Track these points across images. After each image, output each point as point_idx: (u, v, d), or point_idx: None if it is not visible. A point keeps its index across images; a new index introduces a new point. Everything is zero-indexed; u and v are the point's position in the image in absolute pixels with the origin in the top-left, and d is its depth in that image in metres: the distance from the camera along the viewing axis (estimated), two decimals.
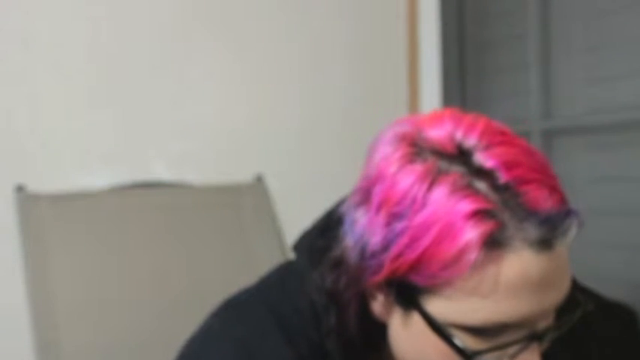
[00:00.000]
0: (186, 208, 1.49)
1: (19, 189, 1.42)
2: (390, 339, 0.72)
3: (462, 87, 1.92)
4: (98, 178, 1.53)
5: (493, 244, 0.61)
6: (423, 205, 0.63)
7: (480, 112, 0.68)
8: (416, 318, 0.67)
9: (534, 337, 0.66)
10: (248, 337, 0.75)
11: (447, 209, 0.62)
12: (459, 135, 0.65)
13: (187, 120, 1.64)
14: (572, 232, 0.63)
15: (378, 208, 0.66)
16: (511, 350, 0.66)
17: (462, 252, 0.61)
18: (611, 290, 0.89)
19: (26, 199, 1.40)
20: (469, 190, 0.62)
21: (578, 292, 0.69)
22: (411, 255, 0.63)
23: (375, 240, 0.65)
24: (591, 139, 1.57)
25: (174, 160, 1.61)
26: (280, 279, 0.80)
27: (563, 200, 0.64)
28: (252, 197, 1.54)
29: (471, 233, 0.61)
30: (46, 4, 1.51)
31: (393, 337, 0.71)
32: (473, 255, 0.61)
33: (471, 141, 0.64)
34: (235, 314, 0.78)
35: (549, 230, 0.62)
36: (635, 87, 1.46)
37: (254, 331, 0.76)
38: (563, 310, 0.68)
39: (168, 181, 1.57)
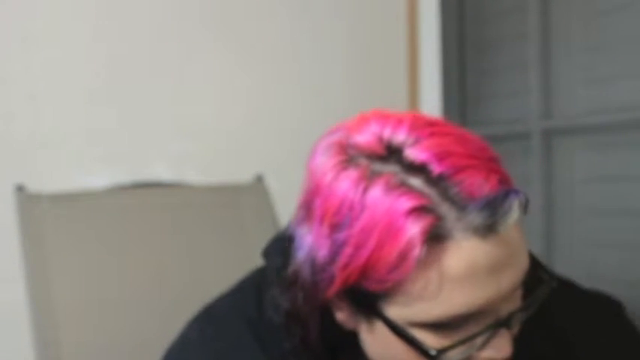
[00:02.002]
0: (186, 208, 1.49)
1: (19, 189, 1.42)
2: (362, 344, 0.71)
3: (461, 87, 1.92)
4: (98, 178, 1.53)
5: (435, 238, 0.61)
6: (361, 210, 0.62)
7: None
8: (378, 323, 0.66)
9: (500, 323, 0.65)
10: (225, 350, 0.76)
11: (384, 211, 0.61)
12: (386, 134, 0.64)
13: (187, 120, 1.64)
14: (514, 212, 0.62)
15: (321, 221, 0.65)
16: (479, 340, 0.65)
17: (404, 252, 0.61)
18: (610, 290, 0.89)
19: (26, 199, 1.40)
20: (403, 188, 0.61)
21: (541, 271, 0.69)
22: (358, 262, 0.62)
23: (323, 253, 0.65)
24: (591, 139, 1.57)
25: (174, 160, 1.61)
26: (256, 288, 0.79)
27: (502, 181, 0.63)
28: (252, 197, 1.54)
29: (411, 231, 0.60)
30: (46, 4, 1.51)
31: (364, 343, 0.71)
32: (415, 253, 0.60)
33: (399, 138, 0.64)
34: (213, 325, 0.79)
35: (490, 215, 0.61)
36: (635, 87, 1.47)
37: (231, 343, 0.76)
38: (530, 291, 0.68)
39: (168, 181, 1.57)
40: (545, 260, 1.65)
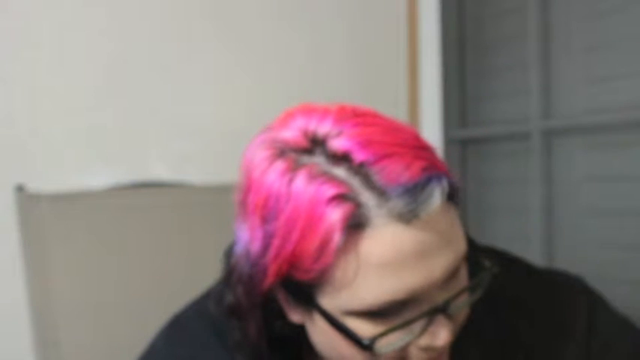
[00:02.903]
0: (186, 208, 1.49)
1: (19, 189, 1.42)
2: (310, 340, 0.72)
3: (461, 87, 1.92)
4: (98, 178, 1.53)
5: (355, 226, 0.61)
6: (287, 201, 0.63)
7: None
8: (316, 315, 0.67)
9: (436, 309, 0.64)
10: (188, 354, 0.77)
11: (307, 201, 0.62)
12: (311, 127, 0.65)
13: (187, 120, 1.64)
14: (436, 198, 0.62)
15: (253, 214, 0.67)
16: (416, 328, 0.65)
17: (325, 240, 0.61)
18: (610, 289, 0.89)
19: (26, 199, 1.40)
20: (325, 177, 0.62)
21: (482, 258, 0.69)
22: (286, 253, 0.63)
23: (256, 246, 0.66)
24: (591, 139, 1.57)
25: (174, 160, 1.61)
26: (216, 303, 0.80)
27: (427, 168, 0.63)
28: None
29: (331, 219, 0.61)
30: (47, 4, 1.51)
31: (311, 336, 0.71)
32: (335, 240, 0.61)
33: (323, 130, 0.65)
34: (178, 333, 0.81)
35: (410, 200, 0.62)
36: (635, 87, 1.47)
37: (195, 347, 0.78)
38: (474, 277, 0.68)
39: (168, 181, 1.57)
40: (546, 260, 1.65)
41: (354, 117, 0.66)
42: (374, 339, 0.64)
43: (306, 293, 0.66)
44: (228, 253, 0.77)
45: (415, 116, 1.93)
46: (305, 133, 0.65)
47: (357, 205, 0.62)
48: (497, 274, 0.68)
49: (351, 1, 1.85)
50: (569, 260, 1.61)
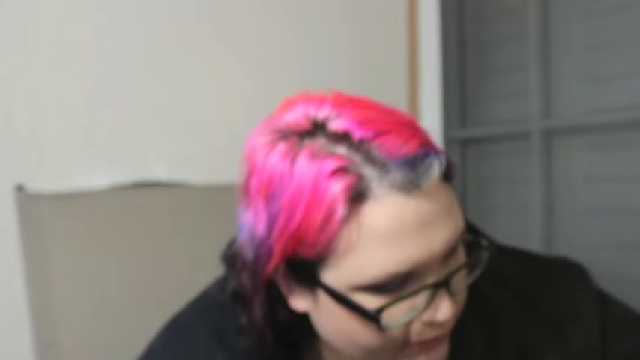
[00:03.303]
0: (186, 208, 1.49)
1: (19, 189, 1.42)
2: (315, 327, 0.73)
3: (461, 87, 1.92)
4: (98, 178, 1.53)
5: (357, 197, 0.64)
6: (290, 179, 0.65)
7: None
8: (321, 294, 0.68)
9: (439, 283, 0.66)
10: (185, 354, 0.78)
11: (310, 177, 0.64)
12: (311, 112, 0.68)
13: (187, 120, 1.64)
14: (435, 169, 0.65)
15: (257, 197, 0.69)
16: (420, 303, 0.67)
17: (329, 213, 0.64)
18: (610, 289, 0.89)
19: (26, 199, 1.40)
20: (326, 154, 0.65)
21: (481, 238, 0.71)
22: (291, 229, 0.65)
23: (260, 227, 0.68)
24: (591, 139, 1.57)
25: (174, 160, 1.61)
26: (218, 291, 0.81)
27: (422, 144, 0.66)
28: None
29: (334, 192, 0.64)
30: (46, 4, 1.51)
31: (315, 323, 0.72)
32: (340, 212, 0.63)
33: (323, 114, 0.67)
34: (176, 334, 0.82)
35: (410, 171, 0.64)
36: (635, 87, 1.47)
37: (192, 346, 0.79)
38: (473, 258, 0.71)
39: (168, 181, 1.57)
40: None
41: (351, 102, 0.69)
42: (380, 309, 0.65)
43: (310, 272, 0.67)
44: (230, 245, 0.78)
45: (415, 116, 1.93)
46: (305, 117, 0.68)
47: (359, 177, 0.64)
48: (495, 252, 0.70)
49: (351, 1, 1.85)
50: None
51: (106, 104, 1.56)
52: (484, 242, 0.70)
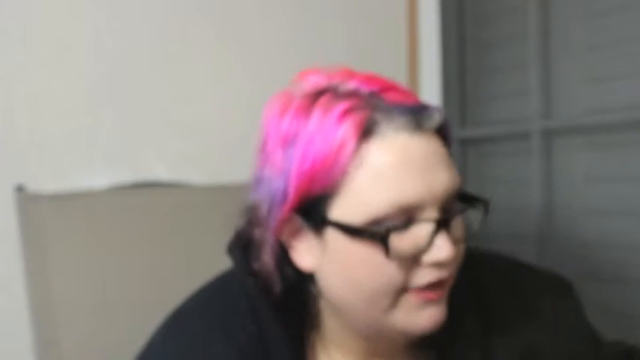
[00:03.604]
0: (186, 208, 1.49)
1: (19, 189, 1.42)
2: (322, 286, 0.78)
3: (462, 87, 1.92)
4: (98, 178, 1.53)
5: (366, 134, 0.72)
6: (305, 126, 0.73)
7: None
8: (329, 235, 0.74)
9: (440, 221, 0.72)
10: (189, 342, 0.80)
11: (323, 118, 0.73)
12: (324, 80, 0.77)
13: (187, 120, 1.64)
14: (436, 117, 0.75)
15: (275, 151, 0.76)
16: (422, 240, 0.72)
17: (340, 148, 0.71)
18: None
19: (26, 199, 1.40)
20: (339, 100, 0.74)
21: (475, 200, 0.78)
22: (306, 167, 0.72)
23: (278, 174, 0.75)
24: (591, 139, 1.57)
25: (174, 160, 1.61)
26: (222, 282, 0.86)
27: (422, 102, 0.76)
28: None
29: (344, 128, 0.71)
30: (46, 4, 1.51)
31: (320, 279, 0.77)
32: (349, 148, 0.71)
33: (334, 81, 0.77)
34: (177, 325, 0.84)
35: (414, 115, 0.73)
36: (635, 87, 1.47)
37: (194, 340, 0.81)
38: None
39: (168, 181, 1.57)
40: (545, 260, 1.66)
41: (359, 73, 0.78)
42: (388, 231, 0.71)
43: (320, 211, 0.73)
44: (237, 233, 0.84)
45: None
46: (318, 83, 0.77)
47: (368, 116, 0.72)
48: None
49: (351, 2, 1.85)
50: (568, 260, 1.61)
51: (105, 104, 1.56)
52: (479, 198, 0.77)
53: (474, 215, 0.77)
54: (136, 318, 1.33)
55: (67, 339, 1.31)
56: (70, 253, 1.35)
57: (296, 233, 0.77)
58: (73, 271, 1.35)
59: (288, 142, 0.74)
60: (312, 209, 0.74)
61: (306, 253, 0.77)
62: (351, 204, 0.72)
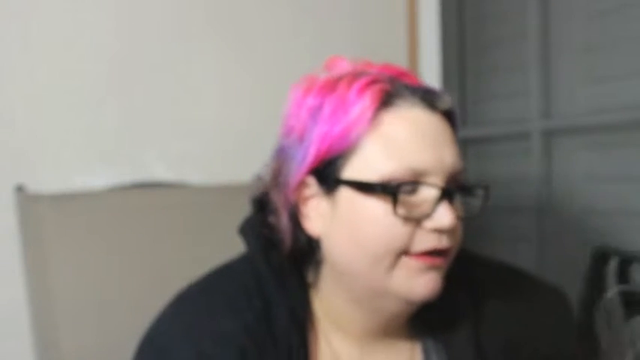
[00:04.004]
0: (186, 208, 1.49)
1: (19, 189, 1.42)
2: (327, 251, 0.83)
3: (462, 87, 1.92)
4: (98, 178, 1.53)
5: (384, 104, 0.79)
6: (330, 95, 0.81)
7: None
8: (341, 195, 0.80)
9: (444, 191, 0.79)
10: (196, 317, 0.84)
11: (348, 89, 0.80)
12: (349, 67, 0.86)
13: (187, 120, 1.64)
14: (448, 98, 0.83)
15: (298, 121, 0.83)
16: (426, 206, 0.78)
17: (361, 114, 0.78)
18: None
19: (26, 199, 1.40)
20: (362, 76, 0.81)
21: (476, 186, 0.84)
22: (327, 130, 0.79)
23: (299, 141, 0.82)
24: (591, 139, 1.57)
25: (175, 160, 1.61)
26: (228, 265, 0.92)
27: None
28: None
29: (366, 97, 0.79)
30: (47, 4, 1.51)
31: (329, 242, 0.83)
32: (369, 114, 0.78)
33: (358, 69, 0.85)
34: (185, 301, 0.88)
35: (428, 95, 0.81)
36: (635, 87, 1.46)
37: (202, 312, 0.84)
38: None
39: (168, 181, 1.57)
40: (544, 260, 1.65)
41: (378, 64, 0.87)
42: (398, 186, 0.77)
43: (334, 173, 0.80)
44: (247, 218, 0.91)
45: None
46: (344, 69, 0.85)
47: (387, 89, 0.80)
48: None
49: (351, 2, 1.85)
50: (568, 260, 1.61)
51: (106, 104, 1.56)
52: (480, 185, 0.84)
53: (474, 201, 0.84)
54: (136, 318, 1.33)
55: (66, 339, 1.31)
56: (70, 253, 1.35)
57: (309, 199, 0.83)
58: (73, 271, 1.35)
59: (312, 111, 0.81)
60: (327, 171, 0.80)
61: (315, 219, 0.83)
62: (364, 166, 0.78)
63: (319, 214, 0.83)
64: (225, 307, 0.84)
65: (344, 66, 0.86)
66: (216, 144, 1.66)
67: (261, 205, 0.88)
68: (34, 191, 1.43)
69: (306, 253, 0.86)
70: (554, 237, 1.65)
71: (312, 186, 0.82)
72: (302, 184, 0.82)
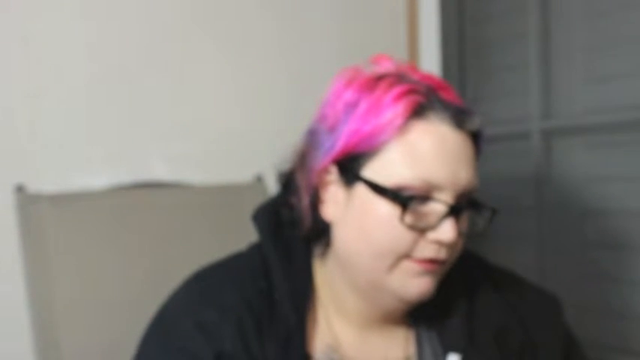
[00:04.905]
0: (186, 208, 1.49)
1: (19, 189, 1.42)
2: (336, 237, 0.87)
3: (461, 87, 1.92)
4: (98, 178, 1.53)
5: (416, 115, 0.82)
6: (368, 95, 0.84)
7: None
8: (358, 191, 0.84)
9: (452, 207, 0.82)
10: (200, 294, 0.90)
11: (385, 94, 0.83)
12: (393, 67, 0.89)
13: (187, 120, 1.64)
14: (477, 121, 0.86)
15: (333, 111, 0.87)
16: (432, 219, 0.82)
17: (392, 120, 0.82)
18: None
19: (26, 199, 1.40)
20: (401, 83, 0.84)
21: (484, 206, 0.87)
22: (357, 128, 0.83)
23: (330, 131, 0.86)
24: (591, 139, 1.57)
25: (174, 160, 1.61)
26: (237, 253, 0.97)
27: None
28: (252, 197, 1.53)
29: (400, 105, 0.82)
30: (46, 4, 1.51)
31: (339, 228, 0.87)
32: (398, 122, 0.82)
33: (401, 70, 0.88)
34: (195, 282, 0.93)
35: (458, 114, 0.85)
36: (635, 87, 1.47)
37: (208, 289, 0.90)
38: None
39: (168, 181, 1.57)
40: (544, 261, 1.65)
41: (421, 71, 0.90)
42: (410, 197, 0.81)
43: (355, 169, 0.84)
44: (262, 205, 0.96)
45: None
46: (388, 68, 0.88)
47: (421, 102, 0.83)
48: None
49: (350, 2, 1.85)
50: (568, 260, 1.61)
51: (105, 104, 1.56)
52: (487, 205, 0.87)
53: (480, 219, 0.87)
54: (136, 318, 1.33)
55: (66, 339, 1.31)
56: (70, 253, 1.35)
57: (328, 185, 0.87)
58: (73, 271, 1.35)
59: (348, 106, 0.84)
60: (349, 165, 0.84)
61: (331, 205, 0.87)
62: (382, 169, 0.82)
63: (335, 201, 0.87)
64: (230, 284, 0.89)
65: (388, 65, 0.89)
66: (216, 144, 1.66)
67: (287, 183, 0.93)
68: (34, 191, 1.43)
69: (318, 235, 0.90)
70: (554, 237, 1.65)
71: (334, 174, 0.87)
72: (325, 170, 0.87)
